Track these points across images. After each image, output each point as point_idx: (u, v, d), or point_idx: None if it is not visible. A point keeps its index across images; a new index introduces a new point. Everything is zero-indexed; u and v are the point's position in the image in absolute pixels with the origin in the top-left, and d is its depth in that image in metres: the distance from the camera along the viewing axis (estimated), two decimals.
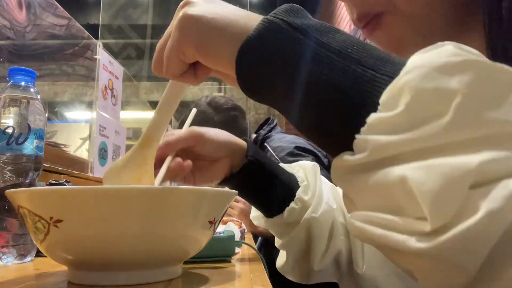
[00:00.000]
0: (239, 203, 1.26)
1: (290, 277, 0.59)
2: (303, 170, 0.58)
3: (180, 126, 1.17)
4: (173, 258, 0.40)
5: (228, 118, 1.33)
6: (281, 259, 0.60)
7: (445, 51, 0.20)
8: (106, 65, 1.66)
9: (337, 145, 0.23)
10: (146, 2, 4.84)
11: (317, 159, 1.23)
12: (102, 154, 1.58)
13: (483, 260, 0.17)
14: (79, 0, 4.68)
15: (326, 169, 1.05)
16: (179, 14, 0.32)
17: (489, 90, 0.18)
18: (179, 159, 0.48)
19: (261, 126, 1.46)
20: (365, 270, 0.54)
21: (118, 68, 1.78)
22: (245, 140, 0.55)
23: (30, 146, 0.53)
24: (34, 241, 0.38)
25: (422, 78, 0.19)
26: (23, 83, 0.55)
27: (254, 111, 4.79)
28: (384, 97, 0.21)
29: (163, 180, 0.47)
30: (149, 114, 4.26)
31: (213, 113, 1.32)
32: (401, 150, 0.19)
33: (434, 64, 0.19)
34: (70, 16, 1.55)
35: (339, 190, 0.60)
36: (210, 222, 0.39)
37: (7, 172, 0.52)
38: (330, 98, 0.24)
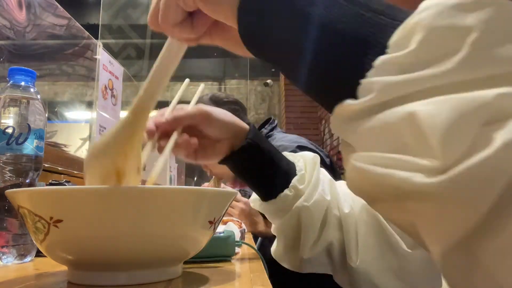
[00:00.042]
0: (240, 203, 1.26)
1: (283, 264, 0.60)
2: (303, 160, 0.59)
3: None
4: (173, 258, 0.40)
5: (229, 110, 1.34)
6: (274, 245, 0.61)
7: None
8: (106, 65, 1.66)
9: (342, 95, 0.21)
10: (146, 2, 4.84)
11: None
12: None
13: (497, 195, 0.16)
14: (79, 0, 4.67)
15: (328, 169, 1.05)
16: None
17: (508, 27, 0.17)
18: (186, 136, 0.49)
19: (262, 126, 1.47)
20: (359, 264, 0.54)
21: (118, 68, 1.78)
22: (248, 124, 0.56)
23: (30, 146, 0.53)
24: (34, 241, 0.38)
25: (436, 16, 0.18)
26: (23, 83, 0.55)
27: (254, 111, 4.79)
28: (394, 38, 0.20)
29: (169, 154, 0.47)
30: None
31: (214, 106, 1.33)
32: (412, 90, 0.18)
33: (449, 2, 0.18)
34: (70, 16, 1.55)
35: (338, 184, 0.60)
36: (210, 222, 0.39)
37: (7, 172, 0.52)
38: (336, 44, 0.22)
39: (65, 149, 1.37)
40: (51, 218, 0.33)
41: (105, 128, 1.61)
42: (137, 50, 4.75)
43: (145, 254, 0.37)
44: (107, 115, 1.64)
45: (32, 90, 0.55)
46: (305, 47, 0.24)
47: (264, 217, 1.27)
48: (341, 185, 0.61)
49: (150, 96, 0.38)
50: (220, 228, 0.65)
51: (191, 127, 0.51)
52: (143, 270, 0.38)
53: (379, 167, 0.19)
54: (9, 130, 0.52)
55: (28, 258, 0.53)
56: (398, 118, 0.18)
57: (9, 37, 1.17)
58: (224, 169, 1.36)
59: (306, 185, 0.55)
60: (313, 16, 0.23)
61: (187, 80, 0.57)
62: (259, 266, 0.55)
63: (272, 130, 1.44)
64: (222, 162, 0.55)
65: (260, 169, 0.55)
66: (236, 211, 1.25)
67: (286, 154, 0.59)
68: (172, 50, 0.37)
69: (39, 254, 0.54)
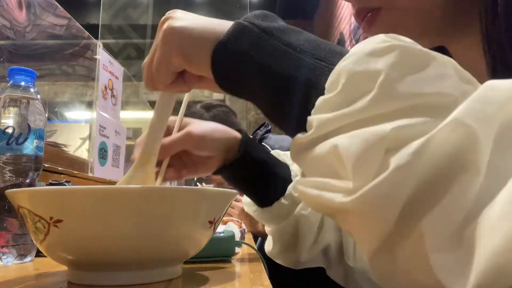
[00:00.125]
0: (239, 203, 1.26)
1: (278, 262, 0.60)
2: None
3: None
4: (173, 258, 0.40)
5: (218, 113, 1.38)
6: (269, 244, 0.60)
7: (376, 39, 0.23)
8: (106, 65, 1.66)
9: (296, 128, 0.26)
10: (146, 2, 4.84)
11: None
12: (102, 154, 1.58)
13: (399, 210, 0.19)
14: (79, 0, 4.67)
15: None
16: (162, 27, 0.35)
17: (407, 67, 0.21)
18: (172, 172, 0.51)
19: (257, 129, 1.51)
20: (356, 263, 0.54)
21: (118, 68, 1.78)
22: (240, 131, 0.55)
23: (30, 146, 0.53)
24: (34, 241, 0.38)
25: (355, 63, 0.22)
26: (23, 83, 0.55)
27: (254, 111, 4.79)
28: (328, 82, 0.24)
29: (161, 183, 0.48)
30: (149, 114, 4.25)
31: (203, 111, 1.35)
32: (338, 125, 0.22)
33: (365, 50, 0.22)
34: (70, 16, 1.55)
35: None
36: (210, 222, 0.39)
37: (7, 172, 0.52)
38: (288, 88, 0.28)
39: (65, 149, 1.37)
40: (51, 218, 0.33)
41: (105, 128, 1.61)
42: (137, 50, 4.75)
43: (145, 254, 0.37)
44: (107, 115, 1.64)
45: (32, 90, 0.55)
46: (264, 92, 0.30)
47: None
48: None
49: (154, 141, 0.45)
50: (220, 228, 0.65)
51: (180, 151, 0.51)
52: (143, 270, 0.38)
53: (313, 189, 0.23)
54: (9, 130, 0.52)
55: (28, 258, 0.53)
56: (327, 150, 0.22)
57: (9, 37, 1.17)
58: None
59: None
60: (267, 67, 0.29)
61: (187, 94, 0.57)
62: (259, 266, 0.55)
63: (266, 133, 1.47)
64: (215, 173, 0.54)
65: (254, 179, 0.55)
66: (236, 211, 1.25)
67: (278, 154, 0.59)
68: (165, 100, 0.43)
69: (39, 254, 0.54)
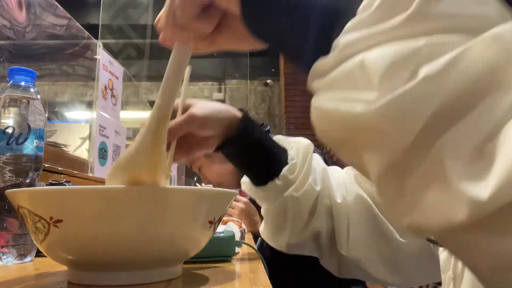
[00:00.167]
0: (239, 203, 1.26)
1: (271, 244, 0.61)
2: (296, 147, 0.59)
3: None
4: (173, 258, 0.40)
5: None
6: (263, 225, 0.62)
7: None
8: (106, 65, 1.66)
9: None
10: (146, 2, 4.84)
11: None
12: (102, 154, 1.58)
13: (420, 125, 0.18)
14: (79, 0, 4.67)
15: None
16: None
17: None
18: (182, 151, 0.50)
19: None
20: (350, 252, 0.55)
21: (118, 68, 1.78)
22: (241, 110, 0.56)
23: (30, 146, 0.53)
24: (34, 241, 0.38)
25: None
26: (23, 83, 0.55)
27: (254, 110, 4.79)
28: (362, 4, 0.23)
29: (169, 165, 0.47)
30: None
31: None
32: (367, 44, 0.21)
33: None
34: (70, 16, 1.55)
35: (332, 173, 0.60)
36: (210, 222, 0.39)
37: (7, 172, 0.52)
38: (320, 16, 0.26)
39: (65, 149, 1.37)
40: (51, 218, 0.33)
41: (105, 128, 1.61)
42: (137, 50, 4.75)
43: (145, 254, 0.37)
44: (107, 115, 1.64)
45: (32, 90, 0.55)
46: (296, 26, 0.28)
47: (262, 216, 1.28)
48: (335, 174, 0.61)
49: (167, 102, 0.41)
50: (220, 228, 0.65)
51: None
52: (143, 270, 0.38)
53: (330, 102, 0.22)
54: (9, 130, 0.52)
55: (28, 258, 0.53)
56: (353, 65, 0.21)
57: (9, 37, 1.17)
58: (216, 174, 1.37)
59: (297, 175, 0.55)
60: None
61: (188, 68, 0.56)
62: (259, 266, 0.55)
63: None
64: (216, 150, 0.55)
65: (251, 157, 0.56)
66: (236, 211, 1.25)
67: (279, 138, 0.60)
68: (179, 56, 0.39)
69: (39, 254, 0.54)
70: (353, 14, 0.23)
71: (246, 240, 0.81)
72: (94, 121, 1.55)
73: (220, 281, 0.40)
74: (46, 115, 0.58)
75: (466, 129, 0.18)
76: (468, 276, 0.39)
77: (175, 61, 0.39)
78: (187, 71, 0.52)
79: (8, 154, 0.52)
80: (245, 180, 0.60)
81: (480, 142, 0.17)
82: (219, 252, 0.56)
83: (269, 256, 0.84)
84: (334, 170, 0.63)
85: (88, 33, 1.68)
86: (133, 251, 0.36)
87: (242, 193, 1.35)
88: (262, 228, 0.62)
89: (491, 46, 0.18)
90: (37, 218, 0.34)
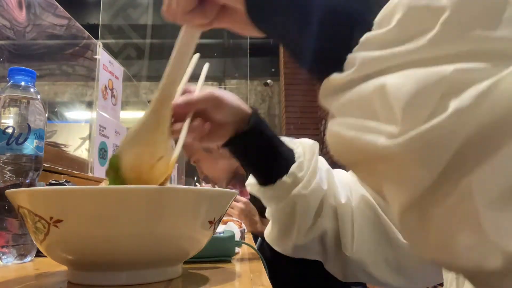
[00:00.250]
0: (239, 203, 1.26)
1: (276, 248, 0.61)
2: (302, 146, 0.59)
3: None
4: (173, 258, 0.40)
5: None
6: (269, 228, 0.61)
7: None
8: (106, 65, 1.66)
9: (332, 69, 0.23)
10: (146, 2, 4.84)
11: None
12: (102, 154, 1.58)
13: (447, 159, 0.17)
14: (79, 0, 4.67)
15: None
16: None
17: (477, 8, 0.19)
18: (200, 121, 0.50)
19: None
20: (354, 253, 0.55)
21: (118, 68, 1.78)
22: (251, 107, 0.57)
23: (30, 146, 0.53)
24: (34, 241, 0.38)
25: None
26: (23, 83, 0.55)
27: None
28: (378, 17, 0.21)
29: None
30: None
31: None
32: (387, 64, 0.20)
33: None
34: (70, 16, 1.55)
35: (336, 174, 0.60)
36: (210, 222, 0.39)
37: (7, 172, 0.52)
38: (329, 21, 0.24)
39: (65, 149, 1.37)
40: (51, 218, 0.33)
41: (105, 128, 1.61)
42: (137, 50, 4.75)
43: (145, 254, 0.37)
44: (107, 115, 1.64)
45: (32, 90, 0.55)
46: (302, 24, 0.26)
47: (262, 216, 1.28)
48: (339, 175, 0.61)
49: (172, 82, 0.42)
50: (220, 228, 0.65)
51: (199, 110, 0.51)
52: (143, 270, 0.38)
53: (350, 130, 0.21)
54: (9, 130, 0.52)
55: (28, 258, 0.53)
56: (372, 89, 0.20)
57: (9, 37, 1.17)
58: (213, 169, 1.37)
59: (305, 173, 0.55)
60: None
61: (207, 64, 0.57)
62: (259, 266, 0.55)
63: None
64: (224, 145, 0.55)
65: (260, 154, 0.56)
66: (236, 211, 1.25)
67: (285, 139, 0.60)
68: (187, 38, 0.40)
69: (39, 254, 0.54)
70: (366, 23, 0.22)
71: (246, 240, 0.81)
72: (94, 121, 1.55)
73: (220, 281, 0.40)
74: (46, 115, 0.58)
75: (495, 169, 0.17)
76: None
77: (181, 43, 0.40)
78: (195, 58, 0.53)
79: (8, 154, 0.52)
80: (251, 181, 0.60)
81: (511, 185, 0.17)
82: (219, 252, 0.56)
83: (269, 256, 0.84)
84: (338, 171, 0.63)
85: (88, 33, 1.68)
86: (133, 251, 0.36)
87: (242, 193, 1.34)
88: (267, 231, 0.61)
89: None
90: (37, 218, 0.34)
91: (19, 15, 1.22)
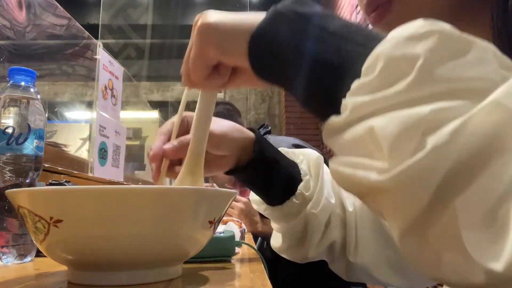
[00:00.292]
0: (239, 203, 1.26)
1: (285, 256, 0.61)
2: (307, 161, 0.58)
3: None
4: (173, 258, 0.40)
5: (221, 110, 1.39)
6: (277, 240, 0.61)
7: (415, 24, 0.23)
8: (106, 65, 1.66)
9: (330, 112, 0.26)
10: (146, 2, 4.84)
11: None
12: (102, 154, 1.58)
13: (433, 189, 0.19)
14: (79, 0, 4.67)
15: None
16: (197, 24, 0.36)
17: (448, 51, 0.21)
18: None
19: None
20: (357, 258, 0.55)
21: (118, 68, 1.78)
22: (253, 131, 0.56)
23: (30, 146, 0.53)
24: (34, 241, 0.38)
25: (393, 47, 0.22)
26: (23, 83, 0.55)
27: (254, 111, 4.79)
28: (364, 66, 0.24)
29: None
30: (149, 114, 4.24)
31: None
32: (373, 108, 0.22)
33: (404, 34, 0.23)
34: (70, 16, 1.55)
35: None
36: (210, 222, 0.39)
37: (7, 172, 0.52)
38: (324, 72, 0.28)
39: (65, 149, 1.37)
40: (51, 218, 0.33)
41: (105, 128, 1.61)
42: (137, 50, 4.75)
43: (145, 254, 0.37)
44: (107, 115, 1.64)
45: (32, 90, 0.55)
46: (300, 77, 0.30)
47: (262, 216, 1.28)
48: None
49: (200, 143, 0.46)
50: (220, 228, 0.65)
51: None
52: (143, 270, 0.38)
53: (346, 168, 0.24)
54: (9, 130, 0.52)
55: (28, 258, 0.53)
56: (362, 131, 0.23)
57: (9, 37, 1.17)
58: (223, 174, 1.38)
59: (312, 192, 0.55)
60: (304, 51, 0.29)
61: (186, 89, 0.55)
62: (259, 266, 0.55)
63: (266, 133, 1.48)
64: (227, 173, 0.55)
65: (266, 179, 0.55)
66: (236, 211, 1.25)
67: (286, 152, 0.59)
68: (207, 100, 0.45)
69: (39, 254, 0.54)
70: (356, 72, 0.24)
71: (246, 240, 0.81)
72: (94, 121, 1.55)
73: (220, 281, 0.41)
74: (46, 115, 0.58)
75: (476, 194, 0.19)
76: None
77: (202, 105, 0.45)
78: (185, 92, 0.52)
79: (8, 154, 0.52)
80: (255, 199, 0.59)
81: (492, 207, 0.18)
82: (219, 252, 0.56)
83: (269, 256, 0.84)
84: None
85: (88, 33, 1.68)
86: (133, 251, 0.36)
87: (242, 193, 1.35)
88: (276, 243, 0.61)
89: (492, 113, 0.19)
90: (37, 218, 0.34)
91: (19, 15, 1.22)
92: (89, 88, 1.73)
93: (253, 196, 0.60)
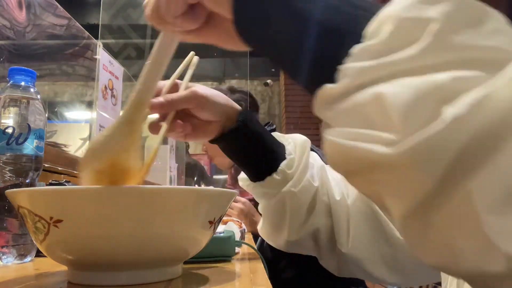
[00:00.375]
0: (239, 203, 1.26)
1: (270, 242, 0.61)
2: (294, 143, 0.59)
3: None
4: (173, 258, 0.40)
5: (240, 98, 1.37)
6: (261, 223, 0.62)
7: None
8: (106, 65, 1.66)
9: (324, 80, 0.23)
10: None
11: None
12: None
13: (446, 167, 0.18)
14: (79, 0, 4.67)
15: None
16: None
17: (464, 19, 0.20)
18: (179, 122, 0.50)
19: None
20: (350, 250, 0.55)
21: (118, 68, 1.78)
22: (240, 105, 0.56)
23: (30, 146, 0.53)
24: (34, 241, 0.38)
25: (404, 8, 0.21)
26: (23, 83, 0.55)
27: None
28: (369, 29, 0.22)
29: (163, 136, 0.47)
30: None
31: (228, 92, 1.34)
32: (380, 74, 0.20)
33: None
34: (70, 16, 1.55)
35: (330, 171, 0.60)
36: (210, 222, 0.39)
37: (7, 172, 0.52)
38: (319, 35, 0.25)
39: (65, 149, 1.37)
40: (51, 218, 0.33)
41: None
42: (137, 50, 4.74)
43: (145, 254, 0.37)
44: (107, 115, 1.64)
45: (32, 90, 0.55)
46: (292, 38, 0.26)
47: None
48: (334, 171, 0.61)
49: (147, 90, 0.40)
50: (220, 228, 0.65)
51: (184, 109, 0.51)
52: (143, 270, 0.38)
53: (348, 140, 0.21)
54: (9, 130, 0.52)
55: (28, 258, 0.53)
56: (368, 98, 0.20)
57: (9, 37, 1.17)
58: (224, 158, 1.38)
59: (295, 170, 0.55)
60: (300, 10, 0.26)
61: (196, 58, 0.54)
62: (259, 266, 0.55)
63: (271, 131, 1.47)
64: (212, 141, 0.55)
65: (249, 151, 0.56)
66: (235, 211, 1.25)
67: (277, 135, 0.60)
68: (165, 44, 0.38)
69: (39, 254, 0.54)
70: (357, 36, 0.22)
71: (246, 240, 0.81)
72: (94, 121, 1.55)
73: (220, 281, 0.41)
74: (46, 115, 0.58)
75: (494, 173, 0.17)
76: None
77: (159, 49, 0.39)
78: (195, 59, 0.53)
79: (8, 154, 0.52)
80: (242, 176, 0.60)
81: (510, 187, 0.17)
82: (219, 252, 0.56)
83: (269, 256, 0.84)
84: (329, 168, 0.62)
85: (88, 33, 1.68)
86: (133, 251, 0.36)
87: (242, 193, 1.34)
88: (260, 225, 0.62)
89: None
90: (37, 218, 0.34)
91: (19, 15, 1.22)
92: (89, 88, 1.73)
93: (241, 175, 0.60)
